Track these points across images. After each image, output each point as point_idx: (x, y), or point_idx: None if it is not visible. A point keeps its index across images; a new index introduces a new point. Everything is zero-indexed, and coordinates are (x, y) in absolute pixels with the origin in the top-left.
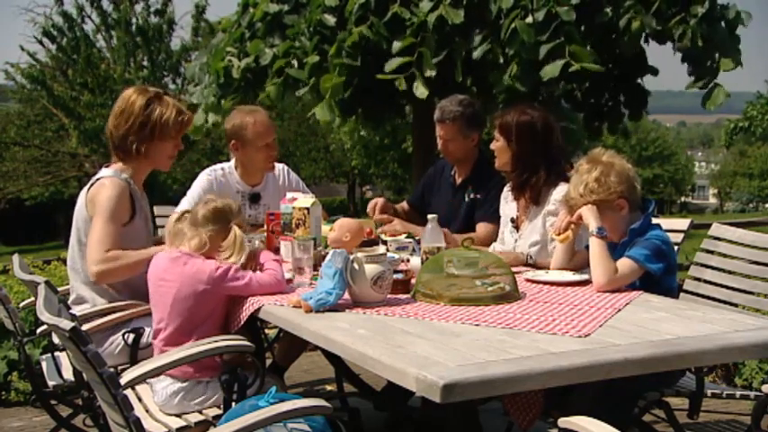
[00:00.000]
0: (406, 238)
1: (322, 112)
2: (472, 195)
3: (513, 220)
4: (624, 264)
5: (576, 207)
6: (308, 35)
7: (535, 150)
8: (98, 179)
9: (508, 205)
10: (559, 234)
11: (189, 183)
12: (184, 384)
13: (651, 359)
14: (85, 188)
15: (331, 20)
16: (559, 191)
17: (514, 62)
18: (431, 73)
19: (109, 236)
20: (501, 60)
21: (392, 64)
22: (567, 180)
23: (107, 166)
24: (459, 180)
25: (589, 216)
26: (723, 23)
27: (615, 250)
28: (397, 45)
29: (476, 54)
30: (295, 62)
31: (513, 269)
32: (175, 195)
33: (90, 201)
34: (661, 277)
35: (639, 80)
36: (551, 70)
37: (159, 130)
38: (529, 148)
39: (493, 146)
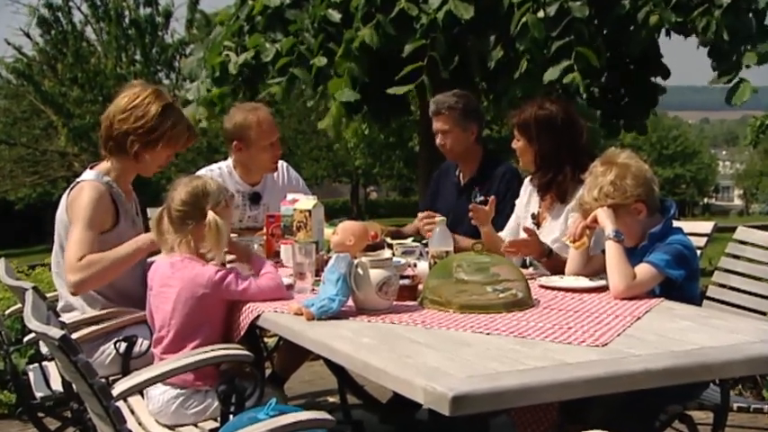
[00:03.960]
0: (413, 241)
1: (330, 123)
2: (480, 197)
3: (534, 216)
4: (643, 269)
5: (590, 212)
6: (312, 32)
7: (558, 146)
8: (78, 182)
9: (528, 198)
10: (575, 241)
11: None
12: (183, 391)
13: (673, 370)
14: (66, 192)
15: (336, 16)
16: None
17: (524, 59)
18: (445, 75)
19: (85, 242)
20: (516, 68)
21: (407, 77)
22: None
23: (91, 168)
24: (464, 180)
25: (605, 219)
26: (751, 15)
27: (634, 255)
28: (407, 48)
29: (490, 62)
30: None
31: (526, 275)
32: None
33: (70, 205)
34: (683, 284)
35: (653, 78)
36: (551, 73)
37: (167, 140)
38: (551, 144)
39: (514, 145)
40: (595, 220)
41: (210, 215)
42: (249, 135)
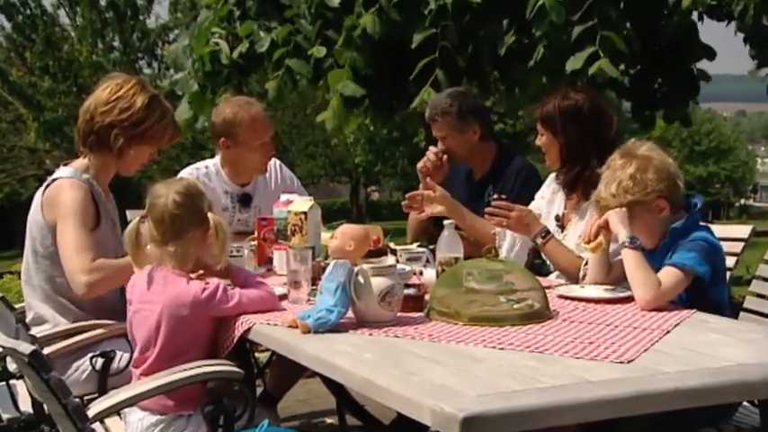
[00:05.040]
0: (419, 246)
1: (331, 119)
2: (495, 195)
3: (558, 218)
4: (668, 273)
5: (607, 209)
6: (308, 18)
7: (584, 137)
8: (54, 180)
9: (552, 197)
10: (590, 242)
11: None
12: (162, 417)
13: (706, 390)
14: (40, 190)
15: (335, 0)
16: None
17: (541, 46)
18: (462, 64)
19: (88, 242)
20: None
21: (414, 66)
22: None
23: (65, 165)
24: (476, 178)
25: (617, 223)
26: None
27: (655, 256)
28: (415, 38)
29: (501, 49)
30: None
31: (544, 284)
32: None
33: (47, 204)
34: (708, 286)
35: (693, 64)
36: (573, 62)
37: (153, 133)
38: (577, 135)
39: (538, 141)
40: (608, 223)
41: (212, 216)
42: (238, 133)
